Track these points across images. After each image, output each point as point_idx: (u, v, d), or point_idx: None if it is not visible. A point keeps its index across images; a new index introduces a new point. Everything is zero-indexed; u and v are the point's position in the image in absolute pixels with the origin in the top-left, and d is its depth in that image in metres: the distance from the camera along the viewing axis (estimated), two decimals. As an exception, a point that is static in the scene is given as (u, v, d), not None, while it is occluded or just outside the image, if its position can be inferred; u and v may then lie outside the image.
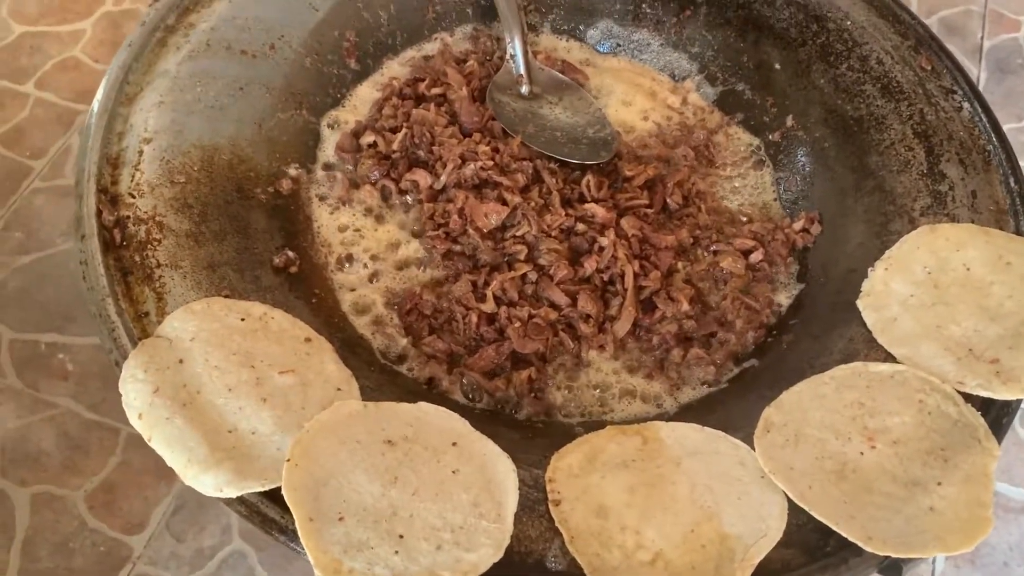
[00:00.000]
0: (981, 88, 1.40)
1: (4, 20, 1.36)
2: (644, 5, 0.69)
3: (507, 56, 0.65)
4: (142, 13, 0.58)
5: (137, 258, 0.48)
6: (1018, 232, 0.53)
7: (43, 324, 1.02)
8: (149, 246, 0.48)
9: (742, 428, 0.46)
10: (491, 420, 0.50)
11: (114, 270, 0.47)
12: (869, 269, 0.53)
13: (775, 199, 0.63)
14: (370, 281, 0.56)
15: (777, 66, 0.65)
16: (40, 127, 1.24)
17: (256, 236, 0.53)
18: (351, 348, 0.51)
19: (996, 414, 0.46)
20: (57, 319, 1.04)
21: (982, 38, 1.49)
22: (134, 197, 0.50)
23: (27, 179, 1.17)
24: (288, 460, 0.41)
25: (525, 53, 0.65)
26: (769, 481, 0.43)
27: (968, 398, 0.46)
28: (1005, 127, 1.43)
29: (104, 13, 1.39)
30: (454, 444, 0.44)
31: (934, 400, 0.46)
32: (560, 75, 0.66)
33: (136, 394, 0.43)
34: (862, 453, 0.44)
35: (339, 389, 0.46)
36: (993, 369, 0.47)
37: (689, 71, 0.69)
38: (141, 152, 0.52)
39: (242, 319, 0.48)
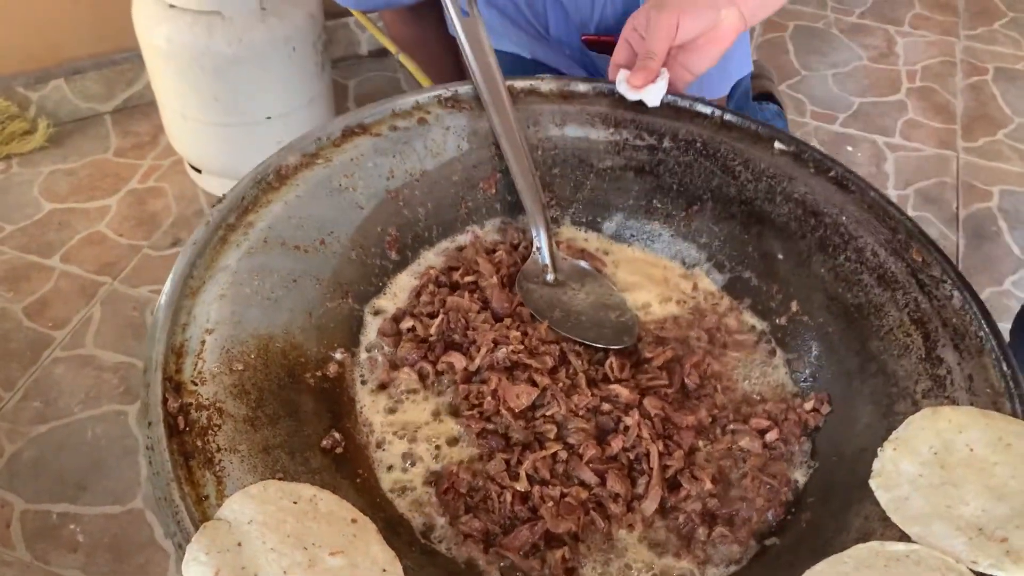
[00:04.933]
0: (960, 255, 1.49)
1: (35, 198, 1.46)
2: (655, 201, 0.76)
3: (534, 248, 0.71)
4: (204, 214, 0.64)
5: (199, 443, 0.51)
6: (1014, 414, 0.57)
7: (56, 494, 1.05)
8: (210, 431, 0.52)
9: (768, 608, 0.48)
10: (527, 600, 0.52)
11: (177, 455, 0.50)
12: (879, 449, 0.57)
13: (786, 380, 0.68)
14: (409, 459, 0.59)
15: (780, 256, 0.71)
16: (63, 298, 1.31)
17: (306, 419, 0.57)
18: (393, 528, 0.54)
19: (1009, 594, 0.48)
20: (71, 488, 1.06)
21: (957, 208, 1.60)
22: (196, 384, 0.54)
23: (48, 349, 1.22)
24: (342, 644, 0.43)
25: (550, 245, 0.71)
26: (799, 663, 0.45)
27: (982, 577, 0.49)
28: (986, 291, 1.50)
29: (129, 191, 1.49)
30: (495, 625, 0.47)
31: (950, 580, 0.49)
32: (582, 264, 0.72)
33: (198, 576, 0.46)
34: (886, 634, 0.47)
35: (384, 571, 0.49)
36: (1003, 548, 0.50)
37: (698, 259, 0.75)
38: (203, 342, 0.56)
39: (294, 502, 0.51)
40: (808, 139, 1.72)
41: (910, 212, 1.55)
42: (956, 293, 0.63)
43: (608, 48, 0.96)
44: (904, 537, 0.52)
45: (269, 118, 1.29)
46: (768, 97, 1.54)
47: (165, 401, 0.52)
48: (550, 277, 0.71)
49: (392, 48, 1.19)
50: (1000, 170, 1.63)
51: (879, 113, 1.75)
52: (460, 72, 1.46)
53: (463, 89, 0.75)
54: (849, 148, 1.65)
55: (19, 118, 1.54)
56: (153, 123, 1.56)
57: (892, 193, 1.61)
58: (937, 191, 1.59)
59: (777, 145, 0.74)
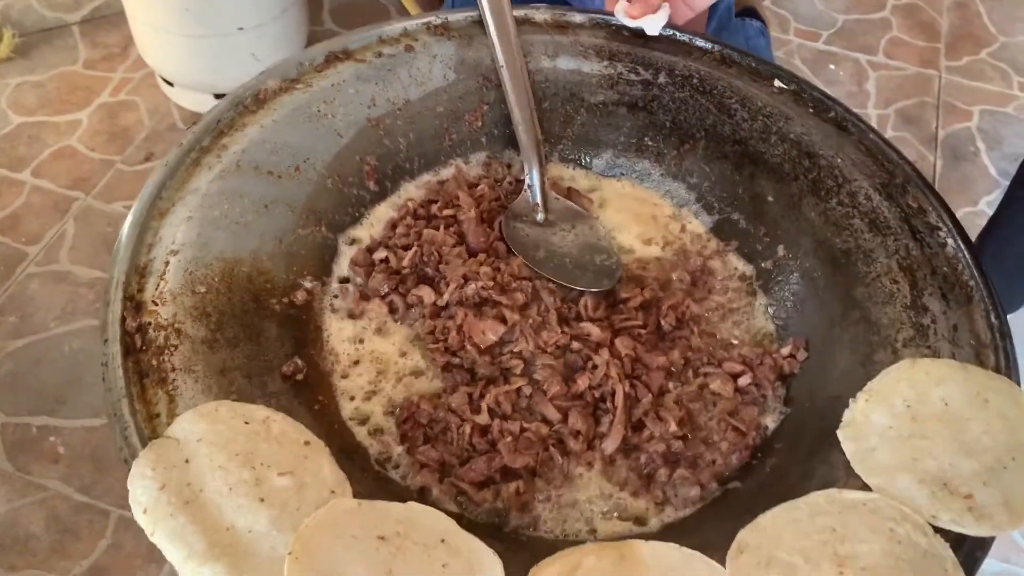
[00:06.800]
0: (937, 175, 1.46)
1: (3, 111, 1.45)
2: (646, 138, 0.74)
3: (525, 185, 0.70)
4: (179, 135, 0.63)
5: (154, 362, 0.52)
6: (998, 369, 0.55)
7: (35, 407, 1.06)
8: (167, 351, 0.52)
9: (721, 548, 0.48)
10: (478, 530, 0.51)
11: (132, 373, 0.51)
12: (851, 400, 0.55)
13: (766, 325, 0.66)
14: (372, 389, 0.59)
15: (770, 198, 0.69)
16: (36, 214, 1.30)
17: (267, 344, 0.57)
18: (348, 454, 0.54)
19: (969, 548, 0.47)
20: (49, 402, 1.08)
21: (937, 128, 1.55)
22: (156, 305, 0.54)
23: (22, 264, 1.23)
24: (290, 554, 0.43)
25: (543, 184, 0.69)
26: (739, 604, 0.45)
27: (942, 532, 0.47)
28: (961, 211, 1.47)
29: (100, 104, 1.47)
30: (443, 540, 0.47)
31: (904, 530, 0.47)
32: (574, 205, 0.70)
33: (143, 490, 0.46)
34: (832, 580, 0.46)
35: (333, 491, 0.49)
36: (966, 505, 0.48)
37: (687, 199, 0.73)
38: (167, 263, 0.56)
39: (246, 422, 0.51)
40: (791, 57, 1.67)
41: (889, 132, 1.52)
42: (950, 240, 0.61)
43: None
44: (867, 488, 0.50)
45: (241, 29, 1.26)
46: (751, 13, 1.49)
47: (124, 320, 0.52)
48: (540, 217, 0.69)
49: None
50: (981, 90, 1.59)
51: (863, 31, 1.70)
52: None
53: (454, 17, 0.73)
54: (832, 66, 1.61)
55: (-17, 28, 1.51)
56: (123, 34, 1.52)
57: (872, 113, 1.58)
58: (917, 111, 1.56)
59: (776, 83, 0.71)
